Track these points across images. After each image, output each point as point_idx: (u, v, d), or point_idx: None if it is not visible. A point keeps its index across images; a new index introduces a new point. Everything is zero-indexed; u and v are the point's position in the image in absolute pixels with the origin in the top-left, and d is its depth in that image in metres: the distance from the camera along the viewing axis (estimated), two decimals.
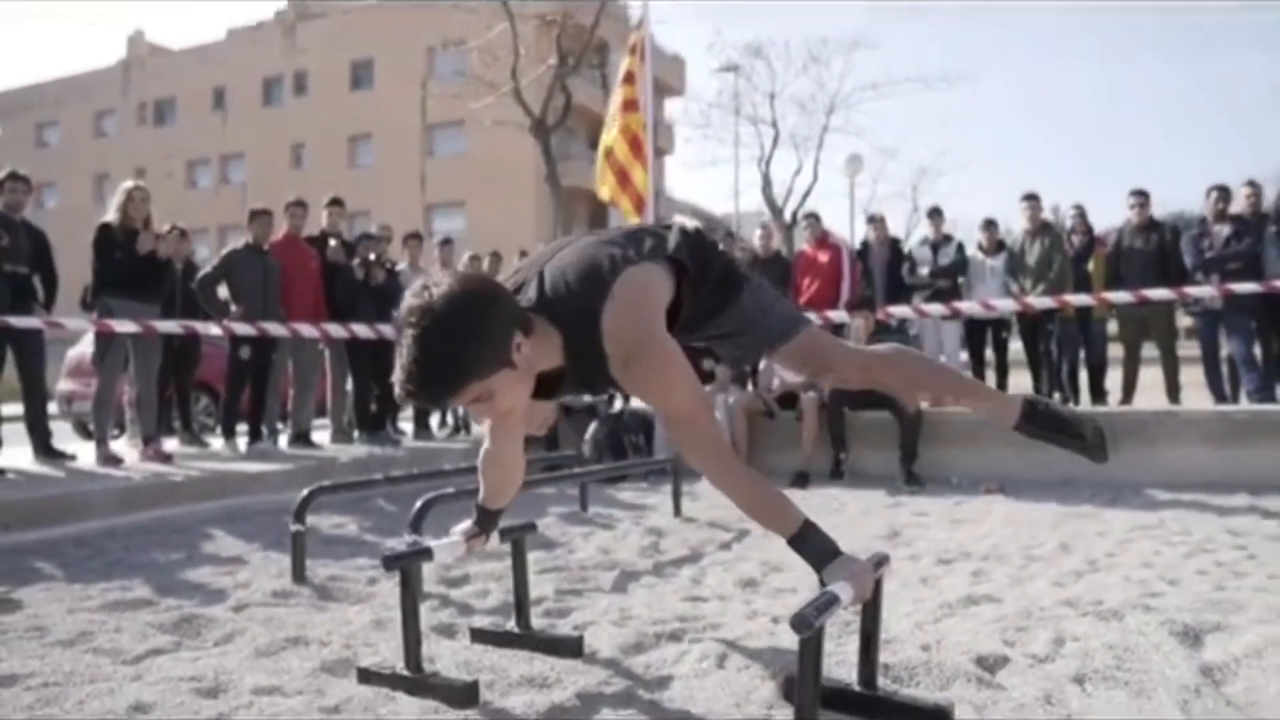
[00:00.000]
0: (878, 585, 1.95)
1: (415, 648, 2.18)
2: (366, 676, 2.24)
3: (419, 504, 3.23)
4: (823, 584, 1.74)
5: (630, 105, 7.25)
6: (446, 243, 8.61)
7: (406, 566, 2.20)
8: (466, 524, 2.38)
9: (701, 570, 3.67)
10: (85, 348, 9.70)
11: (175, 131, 37.89)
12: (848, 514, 5.13)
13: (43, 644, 2.67)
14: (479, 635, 2.61)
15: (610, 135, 7.67)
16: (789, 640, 2.45)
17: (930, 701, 1.99)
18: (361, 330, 6.97)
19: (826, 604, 1.63)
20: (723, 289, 2.10)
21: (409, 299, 1.68)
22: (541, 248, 2.35)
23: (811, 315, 7.39)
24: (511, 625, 2.57)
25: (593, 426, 7.11)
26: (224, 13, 69.48)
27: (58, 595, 3.30)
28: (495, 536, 2.42)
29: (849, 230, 19.83)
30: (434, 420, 8.43)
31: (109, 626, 2.86)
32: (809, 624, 1.58)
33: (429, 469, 4.79)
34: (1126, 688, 2.16)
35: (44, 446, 5.88)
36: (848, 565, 1.76)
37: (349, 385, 7.59)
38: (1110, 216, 7.89)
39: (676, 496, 5.03)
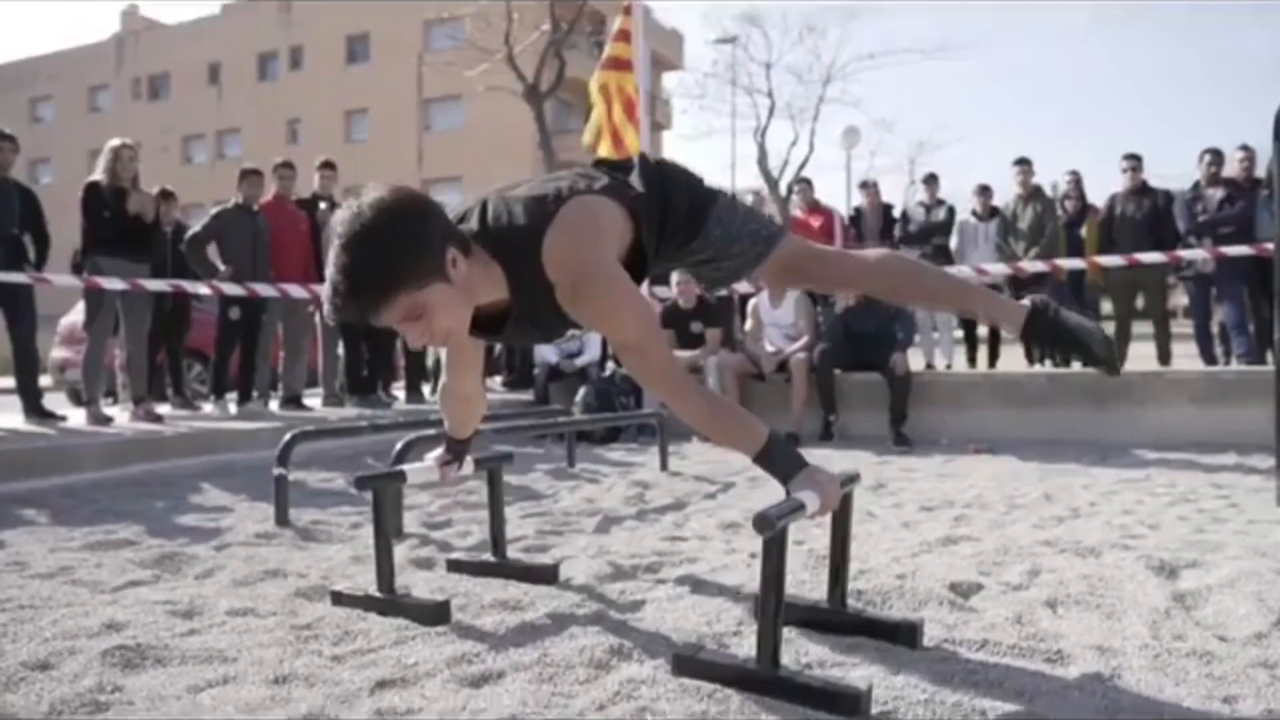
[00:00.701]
0: (846, 500, 1.94)
1: (388, 569, 2.18)
2: (339, 599, 2.24)
3: (400, 443, 3.24)
4: (787, 490, 1.73)
5: (624, 65, 7.17)
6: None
7: (379, 487, 2.20)
8: (439, 451, 2.38)
9: (685, 516, 3.67)
10: (78, 315, 9.66)
11: (170, 107, 37.68)
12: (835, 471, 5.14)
13: (21, 576, 2.68)
14: (455, 566, 2.61)
15: (597, 82, 7.56)
16: None
17: (898, 618, 2.00)
18: None
19: (791, 508, 1.63)
20: (691, 217, 2.03)
21: (339, 211, 1.65)
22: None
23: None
24: (488, 556, 2.57)
25: (583, 390, 7.12)
26: None
27: (40, 537, 3.31)
28: (470, 465, 2.42)
29: (845, 203, 19.73)
30: (426, 388, 8.42)
31: (90, 563, 2.87)
32: (771, 524, 1.58)
33: (412, 420, 4.78)
34: (1098, 610, 2.16)
35: (34, 407, 5.87)
36: (813, 476, 1.75)
37: (340, 349, 7.58)
38: (1108, 190, 7.84)
39: (663, 451, 5.04)
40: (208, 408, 6.91)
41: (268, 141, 34.64)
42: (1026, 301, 2.14)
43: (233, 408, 6.62)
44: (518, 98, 12.51)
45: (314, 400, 7.40)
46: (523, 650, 1.89)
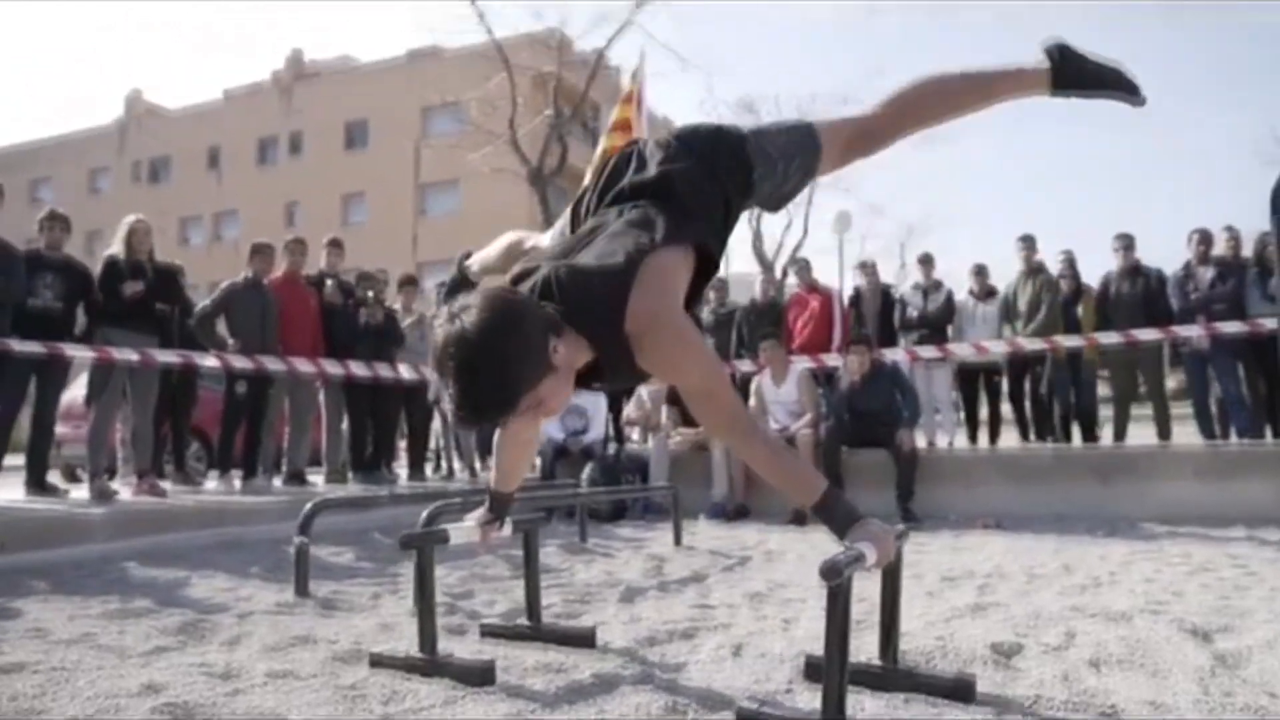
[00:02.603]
0: (898, 555, 1.96)
1: (430, 630, 2.17)
2: (379, 661, 2.22)
3: (425, 512, 3.23)
4: (846, 543, 1.75)
5: (626, 126, 7.41)
6: (442, 285, 8.70)
7: (422, 546, 2.20)
8: (480, 511, 2.38)
9: (707, 587, 3.65)
10: (77, 391, 9.65)
11: (169, 189, 38.15)
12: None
13: (45, 642, 2.64)
14: (489, 631, 2.59)
15: (601, 147, 7.76)
16: (804, 636, 2.46)
17: (952, 674, 1.99)
18: (359, 370, 6.99)
19: (854, 558, 1.65)
20: (741, 170, 2.08)
21: (441, 329, 1.68)
22: (545, 239, 2.39)
23: (805, 360, 7.53)
24: (523, 620, 2.55)
25: (589, 467, 7.11)
26: (221, 75, 70.54)
27: (57, 606, 3.26)
28: (509, 527, 2.42)
29: (839, 286, 20.00)
30: (428, 467, 8.39)
31: (111, 630, 2.83)
32: (839, 572, 1.59)
33: (427, 492, 4.77)
34: (1142, 669, 2.16)
35: (38, 480, 5.83)
36: (869, 528, 1.76)
37: (344, 426, 7.57)
38: (1100, 267, 8.01)
39: (677, 526, 5.02)
40: (210, 484, 6.86)
41: (265, 223, 34.99)
42: (1043, 57, 2.15)
43: (237, 483, 6.57)
44: (513, 182, 12.82)
45: (316, 477, 7.35)
46: (577, 708, 1.87)
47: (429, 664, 2.13)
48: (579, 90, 14.80)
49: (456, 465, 8.34)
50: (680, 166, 2.01)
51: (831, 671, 1.63)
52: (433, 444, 8.63)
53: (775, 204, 2.23)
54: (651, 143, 2.14)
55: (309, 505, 3.61)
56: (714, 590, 3.58)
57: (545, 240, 2.36)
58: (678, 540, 4.97)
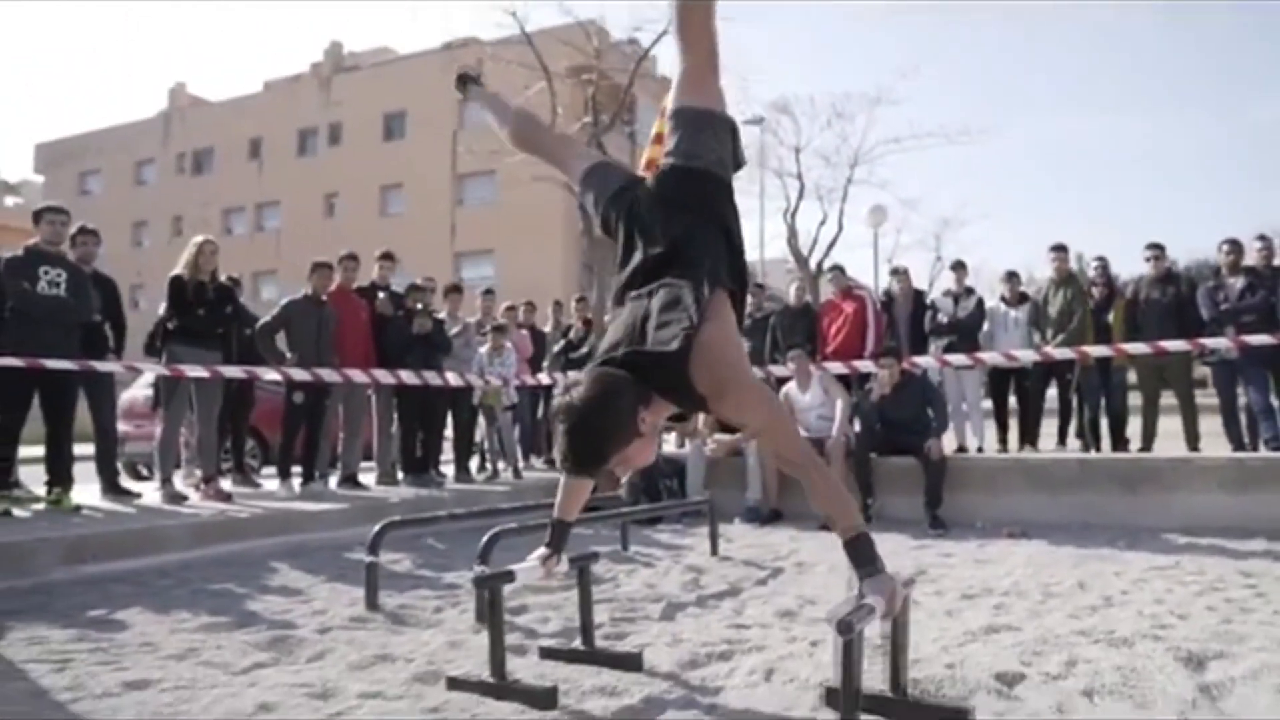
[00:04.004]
0: (905, 601, 2.24)
1: (500, 658, 2.49)
2: (455, 684, 2.55)
3: (486, 538, 3.55)
4: (860, 589, 2.04)
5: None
6: (488, 293, 9.09)
7: (494, 586, 2.52)
8: (540, 550, 2.70)
9: (742, 603, 3.95)
10: (137, 391, 10.15)
11: (212, 180, 39.00)
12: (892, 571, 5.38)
13: (157, 657, 3.00)
14: (548, 653, 2.91)
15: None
16: (829, 661, 2.74)
17: (953, 705, 2.27)
18: (408, 377, 7.35)
19: (865, 613, 1.93)
20: (728, 202, 2.53)
21: (560, 399, 2.18)
22: (610, 315, 2.70)
23: (838, 365, 7.77)
24: (577, 644, 2.87)
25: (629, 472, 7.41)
26: (262, 66, 71.54)
27: (156, 618, 3.63)
28: (565, 563, 2.73)
29: (873, 278, 20.13)
30: (473, 464, 8.75)
31: (210, 644, 3.19)
32: (851, 628, 1.88)
33: (481, 508, 5.10)
34: (1130, 700, 2.43)
35: (112, 485, 6.26)
36: (882, 581, 2.06)
37: (395, 429, 7.95)
38: (1129, 263, 8.17)
39: (714, 536, 5.32)
40: (269, 485, 7.27)
41: (305, 214, 35.78)
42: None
43: (297, 487, 6.97)
44: (549, 170, 13.15)
45: (367, 477, 7.74)
46: None
47: (501, 688, 2.45)
48: (619, 87, 15.00)
49: (500, 465, 8.69)
50: (682, 230, 2.38)
51: (847, 707, 1.93)
52: (478, 444, 9.00)
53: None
54: (648, 200, 2.46)
55: (378, 526, 3.94)
56: (748, 606, 3.87)
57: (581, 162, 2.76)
58: (714, 550, 5.27)
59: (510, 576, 2.59)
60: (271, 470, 7.79)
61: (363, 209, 34.80)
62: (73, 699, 2.51)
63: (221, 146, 39.22)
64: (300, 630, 3.41)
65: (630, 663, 2.74)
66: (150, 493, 6.45)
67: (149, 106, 52.72)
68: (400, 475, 7.80)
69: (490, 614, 2.51)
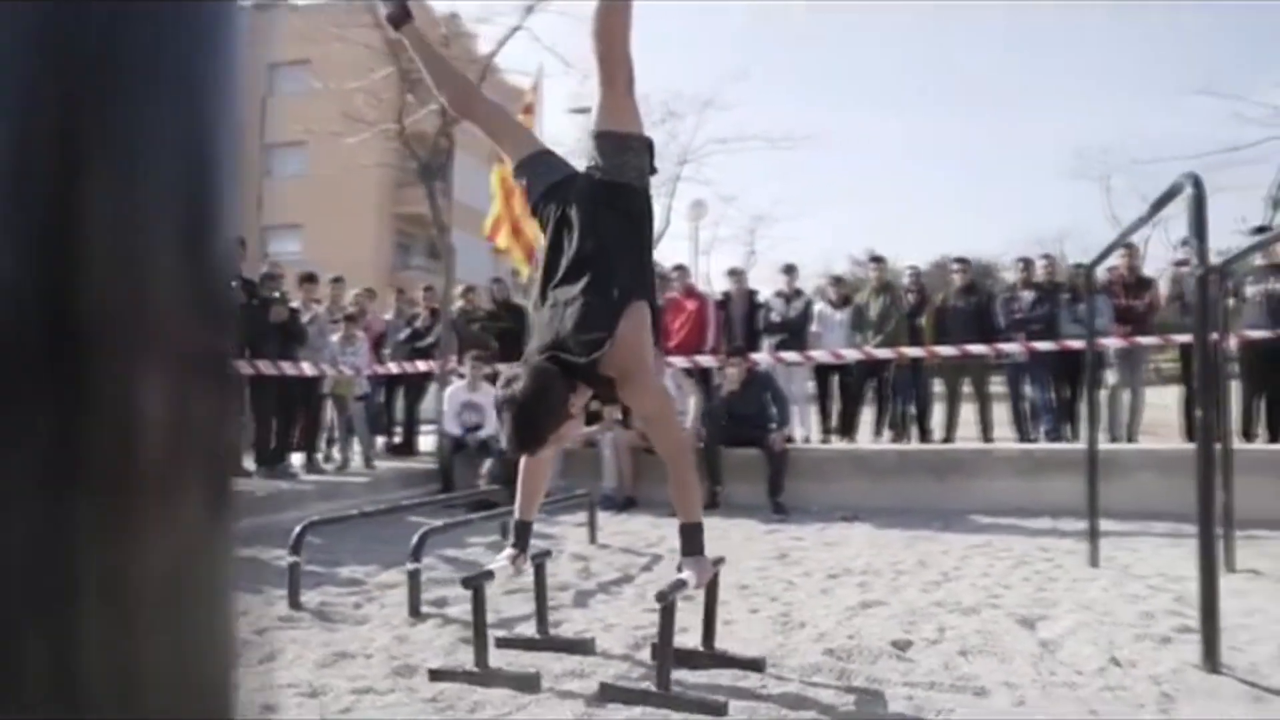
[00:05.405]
0: (714, 578, 2.90)
1: (483, 649, 2.78)
2: (439, 675, 2.81)
3: (416, 537, 3.78)
4: (680, 565, 2.71)
5: None
6: (338, 280, 9.07)
7: (478, 585, 2.80)
8: (509, 550, 3.01)
9: (641, 588, 4.37)
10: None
11: None
12: (732, 540, 5.95)
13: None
14: (504, 643, 3.21)
15: (497, 175, 8.29)
16: (753, 635, 3.21)
17: (749, 655, 2.86)
18: (266, 368, 7.25)
19: (677, 585, 2.59)
20: (648, 212, 3.01)
21: (502, 390, 2.57)
22: (534, 311, 3.06)
23: (681, 360, 8.34)
24: (533, 632, 3.19)
25: (488, 462, 7.67)
26: None
27: None
28: (527, 560, 3.05)
29: (694, 270, 21.01)
30: (319, 456, 8.68)
31: None
32: (666, 597, 2.42)
33: (389, 504, 5.23)
34: (995, 656, 3.05)
35: None
36: (701, 561, 2.72)
37: (244, 420, 7.78)
38: (921, 252, 9.27)
39: (593, 526, 5.71)
40: None
41: None
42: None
43: None
44: (361, 150, 13.12)
45: None
46: (619, 709, 2.55)
47: (487, 675, 2.75)
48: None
49: (353, 454, 8.69)
50: (609, 234, 2.77)
51: (664, 658, 2.54)
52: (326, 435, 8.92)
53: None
54: (581, 199, 2.82)
55: (298, 527, 4.05)
56: (647, 591, 4.29)
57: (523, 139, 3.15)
58: (592, 538, 5.66)
59: (489, 575, 2.88)
60: None
61: None
62: None
63: None
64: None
65: (584, 647, 3.09)
66: None
67: None
68: (252, 468, 7.66)
69: (475, 611, 2.79)
